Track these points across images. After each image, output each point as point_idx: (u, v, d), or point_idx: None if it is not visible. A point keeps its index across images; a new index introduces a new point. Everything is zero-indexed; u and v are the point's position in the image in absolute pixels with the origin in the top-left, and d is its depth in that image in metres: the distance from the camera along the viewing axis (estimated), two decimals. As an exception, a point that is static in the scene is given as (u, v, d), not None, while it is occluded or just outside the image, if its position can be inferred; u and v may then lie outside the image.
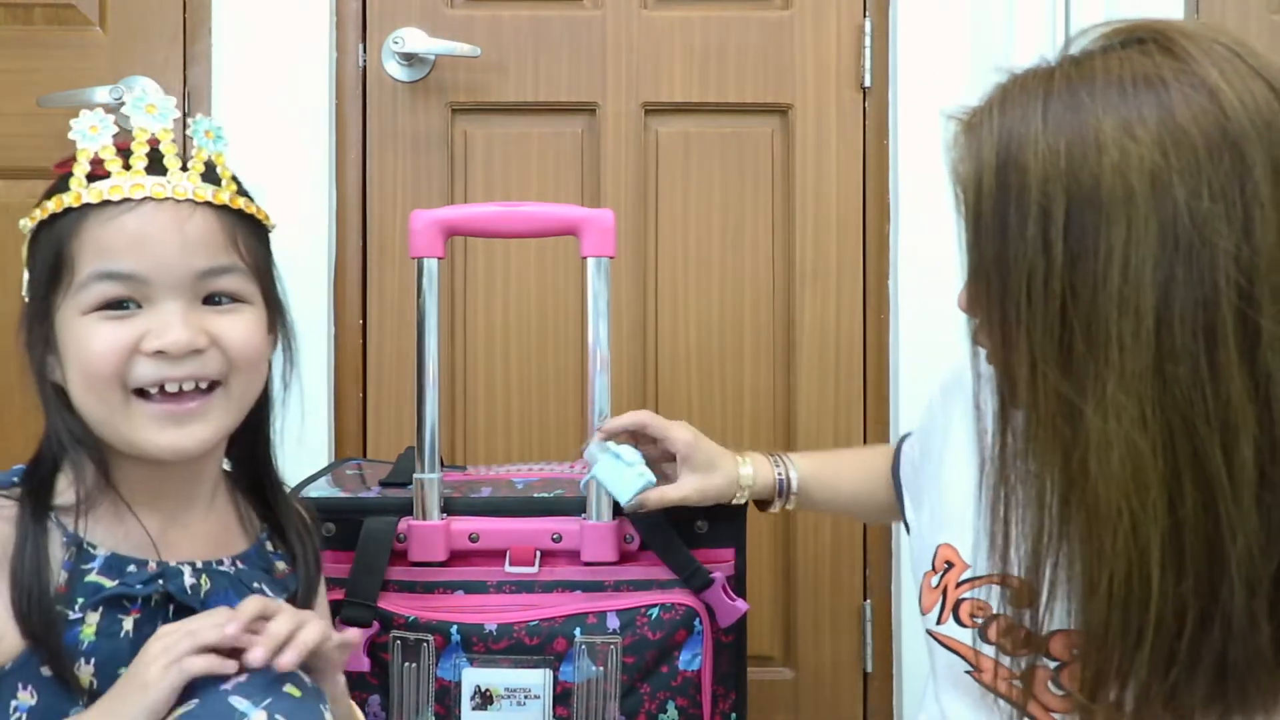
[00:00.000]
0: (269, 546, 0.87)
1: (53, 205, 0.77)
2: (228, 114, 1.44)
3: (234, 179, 0.82)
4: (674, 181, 1.50)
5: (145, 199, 0.76)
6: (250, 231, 0.82)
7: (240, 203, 0.81)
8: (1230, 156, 0.63)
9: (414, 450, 1.04)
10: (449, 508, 1.04)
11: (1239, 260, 0.63)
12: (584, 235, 1.05)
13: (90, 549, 0.77)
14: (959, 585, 0.82)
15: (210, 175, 0.80)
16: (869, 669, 1.50)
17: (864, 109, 1.50)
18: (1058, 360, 0.66)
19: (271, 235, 0.85)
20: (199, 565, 0.80)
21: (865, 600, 1.50)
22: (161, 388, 0.76)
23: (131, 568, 0.77)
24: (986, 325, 0.72)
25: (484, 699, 0.97)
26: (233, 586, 0.81)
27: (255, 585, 0.83)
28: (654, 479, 0.98)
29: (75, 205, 0.76)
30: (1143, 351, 0.64)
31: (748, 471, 1.03)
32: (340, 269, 1.49)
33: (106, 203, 0.75)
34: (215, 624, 0.71)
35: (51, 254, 0.77)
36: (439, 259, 1.05)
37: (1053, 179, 0.65)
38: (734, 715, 1.05)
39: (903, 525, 1.00)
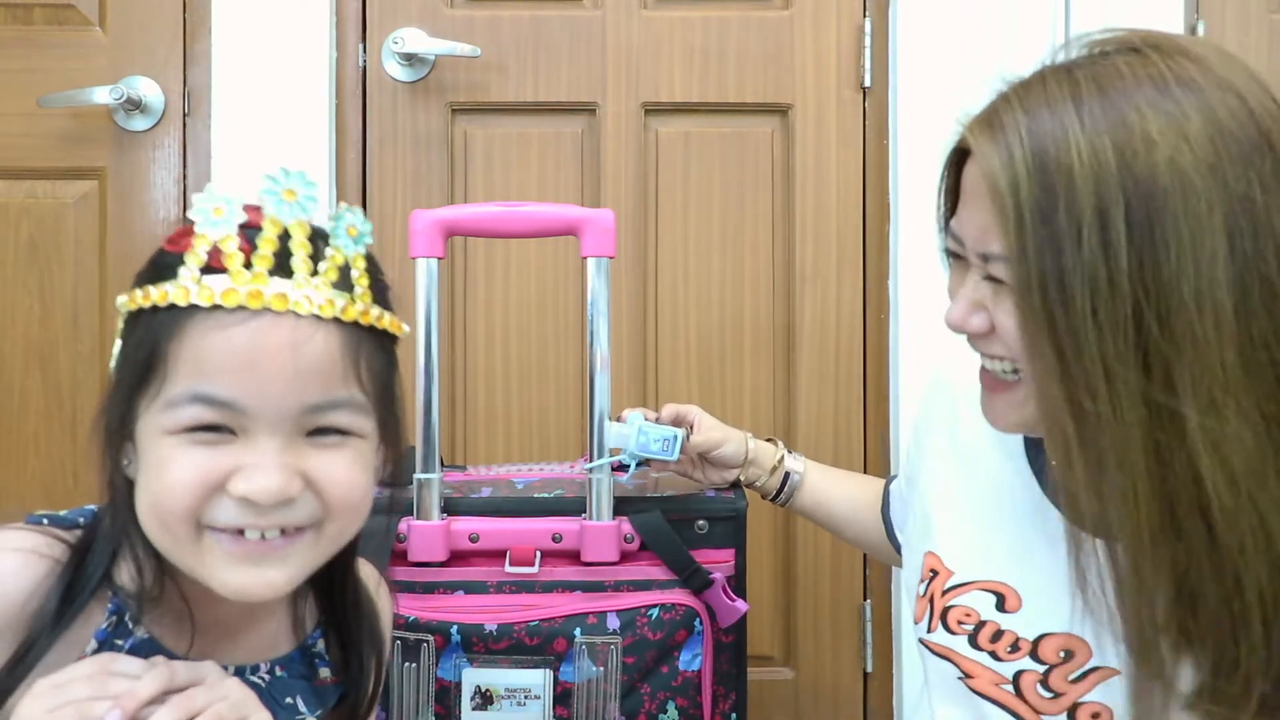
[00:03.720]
0: (318, 647, 0.78)
1: (156, 295, 0.65)
2: (227, 114, 1.44)
3: (371, 281, 0.69)
4: (674, 181, 1.50)
5: (264, 310, 0.64)
6: (376, 348, 0.69)
7: (373, 315, 0.69)
8: (1269, 152, 0.64)
9: (414, 450, 1.04)
10: (449, 508, 1.04)
11: None
12: (584, 235, 1.05)
13: (129, 625, 0.69)
14: (945, 593, 0.83)
15: (343, 281, 0.67)
16: (869, 669, 1.50)
17: (864, 109, 1.50)
18: (1138, 365, 0.64)
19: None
20: (229, 671, 0.71)
21: (865, 600, 1.50)
22: (240, 531, 0.66)
23: (160, 658, 0.68)
24: (1038, 342, 0.67)
25: (484, 699, 0.97)
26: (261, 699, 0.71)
27: (288, 700, 0.75)
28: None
29: (182, 304, 0.64)
30: (1227, 343, 0.63)
31: (752, 445, 1.09)
32: (340, 269, 1.49)
33: (217, 307, 0.64)
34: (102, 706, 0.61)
35: (146, 350, 0.65)
36: (439, 259, 1.05)
37: (1105, 179, 0.64)
38: (734, 715, 1.05)
39: (898, 559, 1.03)
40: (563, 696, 0.97)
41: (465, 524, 1.02)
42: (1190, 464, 0.64)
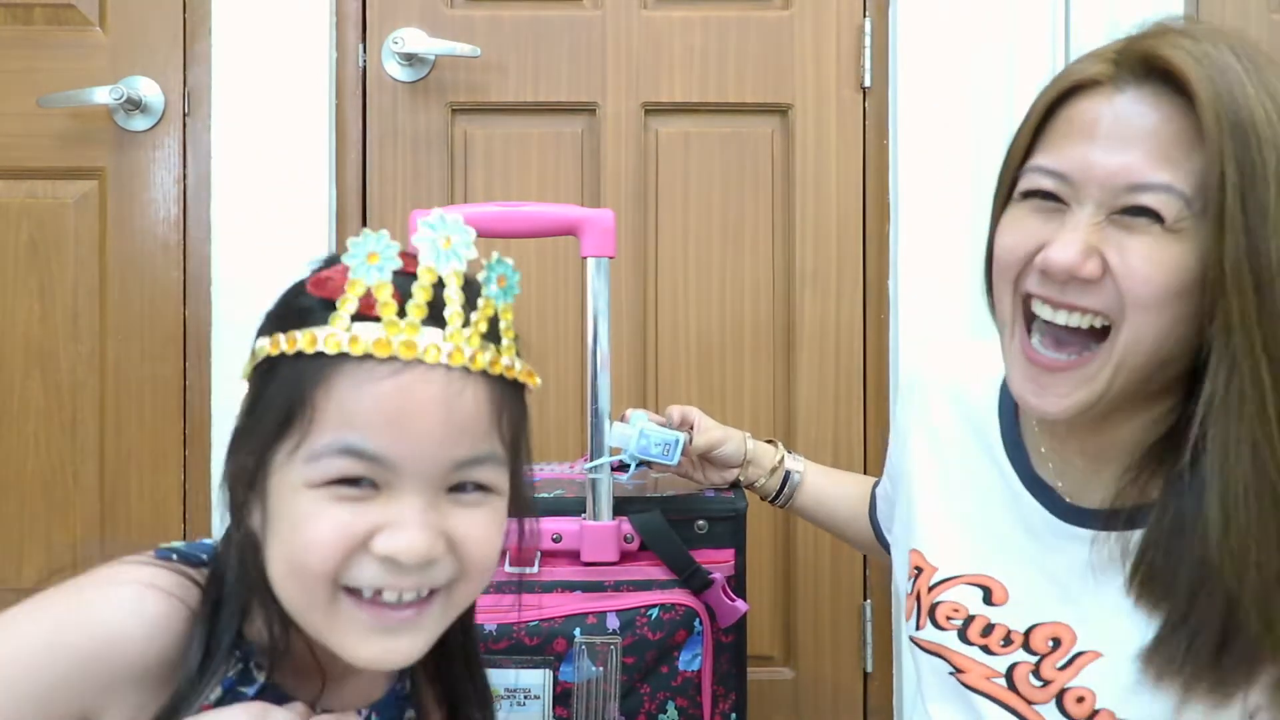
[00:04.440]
0: (404, 689, 0.76)
1: (304, 341, 0.62)
2: (228, 114, 1.44)
3: (514, 334, 0.68)
4: (674, 181, 1.50)
5: (415, 362, 0.62)
6: (515, 401, 0.68)
7: (518, 369, 0.67)
8: None
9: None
10: (449, 508, 1.04)
11: None
12: (584, 235, 1.05)
13: (254, 671, 0.67)
14: (931, 589, 0.83)
15: (491, 332, 0.66)
16: (869, 669, 1.50)
17: (864, 109, 1.50)
18: None
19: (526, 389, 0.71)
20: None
21: (865, 600, 1.50)
22: (379, 592, 0.63)
23: (300, 705, 0.67)
24: (1246, 308, 0.66)
25: (484, 699, 0.97)
26: None
27: None
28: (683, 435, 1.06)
29: (331, 352, 0.61)
30: None
31: (751, 445, 1.09)
32: (340, 269, 1.49)
33: (368, 356, 0.61)
34: None
35: (287, 397, 0.62)
36: (439, 259, 1.05)
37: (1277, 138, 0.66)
38: (734, 715, 1.05)
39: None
40: (562, 696, 0.97)
41: (465, 524, 1.02)
42: None
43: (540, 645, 0.98)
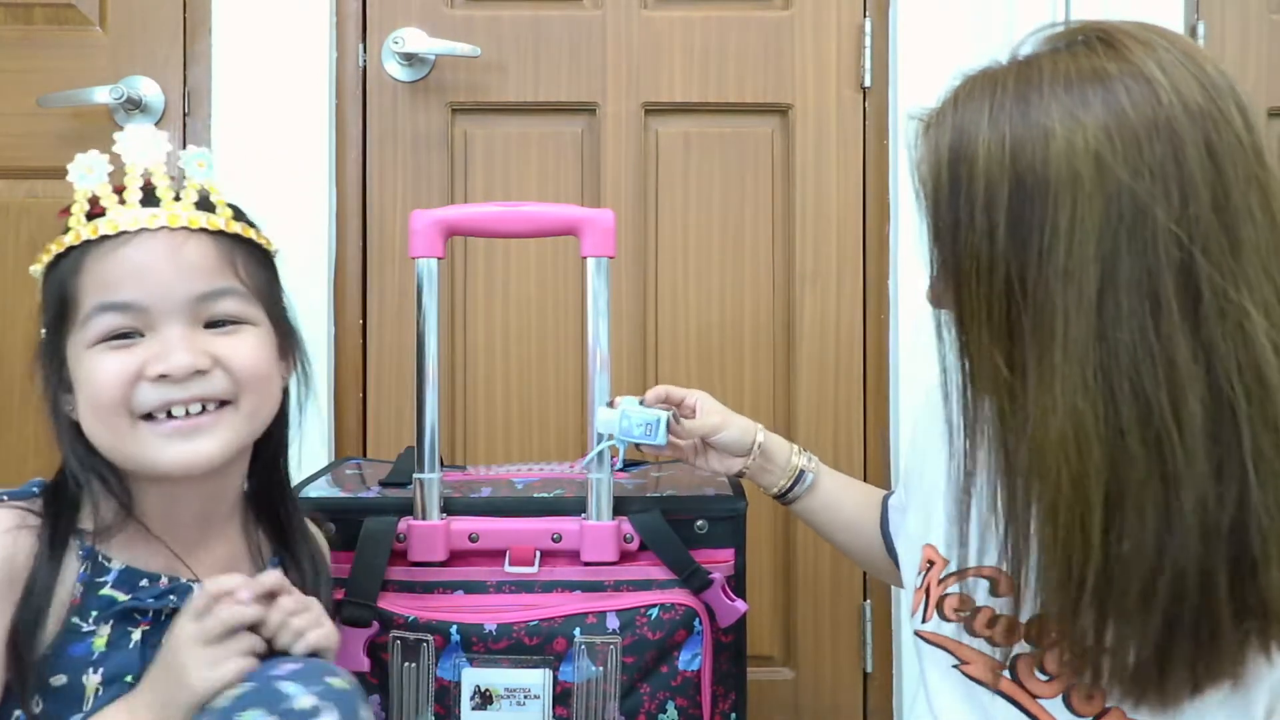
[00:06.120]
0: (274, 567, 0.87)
1: (54, 247, 0.79)
2: (228, 114, 1.44)
3: (230, 206, 0.83)
4: (674, 181, 1.50)
5: (141, 230, 0.77)
6: (250, 256, 0.82)
7: (236, 227, 0.82)
8: (1166, 139, 0.68)
9: (414, 450, 1.04)
10: (449, 508, 1.04)
11: (1178, 232, 0.67)
12: (584, 235, 1.05)
13: (105, 563, 0.78)
14: (940, 582, 0.83)
15: (205, 204, 0.81)
16: (869, 669, 1.50)
17: (864, 109, 1.50)
18: (1005, 336, 0.71)
19: (277, 258, 0.86)
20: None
21: (865, 600, 1.50)
22: (168, 412, 0.77)
23: (144, 582, 0.78)
24: (950, 317, 0.77)
25: (484, 699, 0.97)
26: None
27: None
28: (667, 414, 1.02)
29: (76, 244, 0.78)
30: (1086, 320, 0.67)
31: (762, 438, 1.05)
32: (340, 269, 1.49)
33: (105, 238, 0.77)
34: (237, 606, 0.73)
35: (57, 293, 0.79)
36: (439, 259, 1.05)
37: (997, 167, 0.70)
38: (734, 715, 1.05)
39: (896, 576, 1.02)
40: (562, 696, 0.97)
41: (465, 524, 1.02)
42: (1026, 428, 0.70)
43: (540, 645, 0.98)
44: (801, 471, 1.07)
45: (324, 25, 1.46)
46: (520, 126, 1.50)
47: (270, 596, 0.76)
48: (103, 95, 1.42)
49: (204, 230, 0.79)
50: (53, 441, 0.81)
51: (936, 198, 0.74)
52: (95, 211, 0.78)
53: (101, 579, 0.77)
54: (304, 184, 1.45)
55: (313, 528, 0.94)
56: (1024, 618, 0.78)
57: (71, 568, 0.76)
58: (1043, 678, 0.77)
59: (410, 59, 1.47)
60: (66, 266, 0.78)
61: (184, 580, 0.80)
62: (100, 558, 0.78)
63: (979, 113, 0.72)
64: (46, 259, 0.80)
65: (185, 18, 1.47)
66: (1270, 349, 0.67)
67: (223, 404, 0.78)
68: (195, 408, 0.77)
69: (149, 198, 0.79)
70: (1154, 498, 0.67)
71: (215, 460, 0.78)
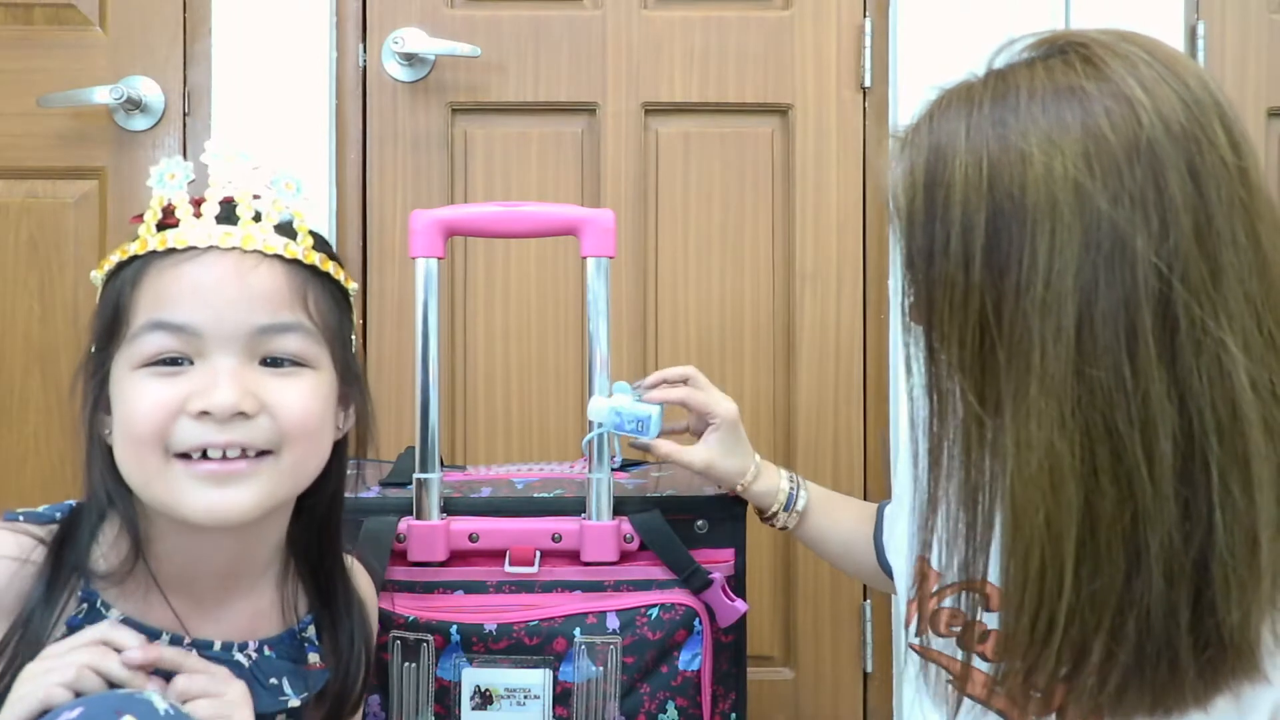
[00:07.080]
0: (308, 632, 0.80)
1: (118, 254, 0.73)
2: (227, 114, 1.44)
3: (314, 234, 0.77)
4: (674, 181, 1.50)
5: (211, 248, 0.71)
6: (325, 291, 0.76)
7: (315, 258, 0.75)
8: (1147, 164, 0.65)
9: (414, 450, 1.04)
10: (449, 508, 1.04)
11: (1157, 262, 0.64)
12: (584, 235, 1.05)
13: (102, 609, 0.72)
14: (932, 596, 0.83)
15: (285, 229, 0.75)
16: (869, 669, 1.50)
17: (864, 109, 1.50)
18: (979, 369, 0.69)
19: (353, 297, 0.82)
20: (217, 648, 0.74)
21: (865, 600, 1.50)
22: (204, 453, 0.69)
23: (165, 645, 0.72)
24: (921, 344, 0.75)
25: (484, 699, 0.97)
26: (244, 679, 0.73)
27: (272, 681, 0.76)
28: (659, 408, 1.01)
29: (141, 253, 0.72)
30: (1063, 355, 0.65)
31: (755, 470, 1.04)
32: (340, 269, 1.49)
33: (171, 250, 0.71)
34: (105, 659, 0.66)
35: (112, 303, 0.72)
36: (439, 259, 1.05)
37: (975, 193, 0.67)
38: (734, 715, 1.05)
39: (891, 585, 1.01)
40: (562, 696, 0.97)
41: (465, 524, 1.02)
42: (1003, 463, 0.68)
43: (540, 645, 0.98)
44: (794, 493, 1.06)
45: (324, 25, 1.46)
46: (520, 126, 1.50)
47: (167, 674, 0.68)
48: (103, 95, 1.42)
49: (279, 257, 0.73)
50: (80, 465, 0.74)
51: (911, 222, 0.71)
52: (167, 222, 0.73)
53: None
54: (304, 184, 1.44)
55: (359, 574, 0.87)
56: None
57: (67, 610, 0.70)
58: (1036, 694, 0.76)
59: (410, 59, 1.47)
60: (126, 276, 0.72)
61: (186, 642, 0.73)
62: (99, 603, 0.71)
63: (954, 134, 0.70)
64: (108, 266, 0.74)
65: (185, 18, 1.47)
66: (1246, 381, 0.65)
67: (263, 453, 0.71)
68: (233, 451, 0.69)
69: (227, 215, 0.73)
70: (1123, 536, 0.66)
71: (247, 514, 0.70)
